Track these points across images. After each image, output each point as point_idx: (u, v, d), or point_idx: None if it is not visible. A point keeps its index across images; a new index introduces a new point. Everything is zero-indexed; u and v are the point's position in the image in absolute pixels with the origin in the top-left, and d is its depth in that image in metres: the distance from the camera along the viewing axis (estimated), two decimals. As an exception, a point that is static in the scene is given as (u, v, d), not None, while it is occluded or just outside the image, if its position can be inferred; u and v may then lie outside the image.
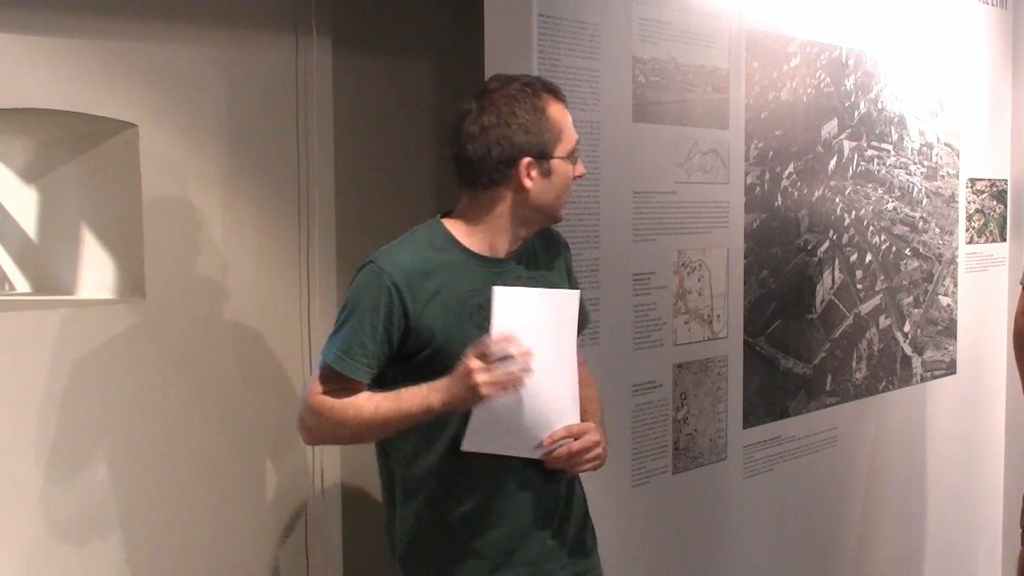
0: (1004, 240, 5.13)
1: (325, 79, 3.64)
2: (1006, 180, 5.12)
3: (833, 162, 4.00)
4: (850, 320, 4.13)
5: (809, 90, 3.88)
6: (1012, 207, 5.15)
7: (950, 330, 4.76)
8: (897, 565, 4.53)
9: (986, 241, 5.01)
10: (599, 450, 2.52)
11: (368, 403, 2.38)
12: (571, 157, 2.50)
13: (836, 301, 4.04)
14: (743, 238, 3.60)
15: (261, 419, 3.50)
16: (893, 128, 4.32)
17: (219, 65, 3.38)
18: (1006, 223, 5.14)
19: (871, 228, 4.22)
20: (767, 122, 3.69)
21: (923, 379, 4.59)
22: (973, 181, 4.89)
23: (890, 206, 4.32)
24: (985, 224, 4.99)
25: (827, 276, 4.00)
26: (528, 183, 2.45)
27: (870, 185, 4.20)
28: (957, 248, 4.80)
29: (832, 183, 4.00)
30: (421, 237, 2.51)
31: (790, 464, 3.86)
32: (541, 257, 2.62)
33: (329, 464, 3.67)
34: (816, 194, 3.93)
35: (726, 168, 3.54)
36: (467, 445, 2.40)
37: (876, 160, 4.23)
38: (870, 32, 4.18)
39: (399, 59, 3.86)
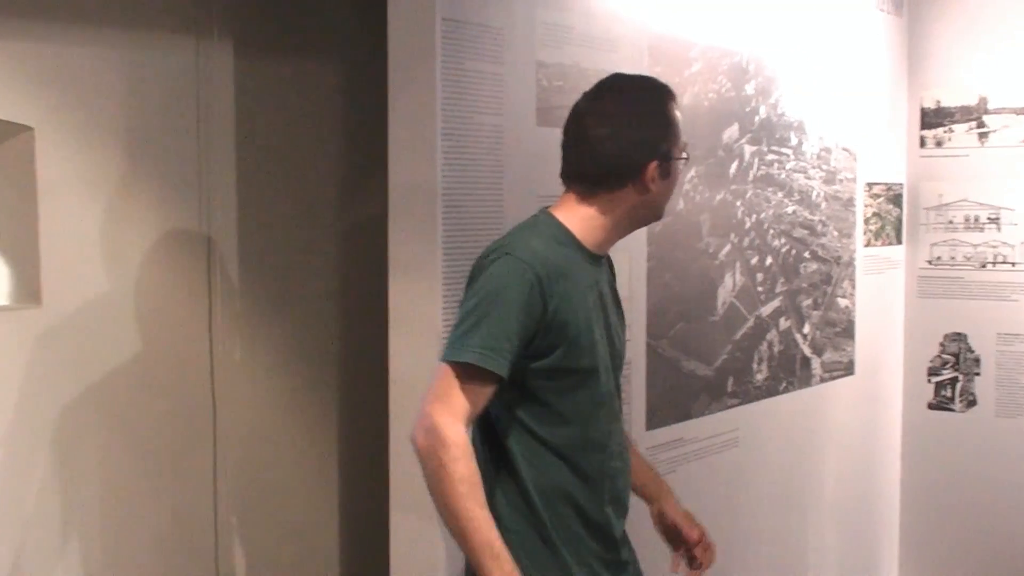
0: (900, 243, 5.22)
1: (227, 82, 3.59)
2: (902, 184, 5.22)
3: (734, 166, 4.05)
4: (751, 322, 4.18)
5: (710, 95, 3.92)
6: (908, 211, 5.25)
7: (848, 332, 4.84)
8: (798, 563, 4.59)
9: (883, 244, 5.10)
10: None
11: (475, 507, 2.27)
12: (685, 157, 2.59)
13: (737, 304, 4.09)
14: (646, 242, 3.62)
15: (163, 427, 3.45)
16: (793, 133, 4.38)
17: (118, 67, 3.32)
18: (902, 226, 5.24)
19: (771, 231, 4.28)
20: (669, 127, 3.71)
21: (822, 380, 4.66)
22: (870, 185, 4.97)
23: (790, 210, 4.38)
24: (882, 227, 5.08)
25: (728, 279, 4.04)
26: (652, 185, 2.50)
27: (770, 189, 4.25)
28: (855, 251, 4.88)
29: (733, 187, 4.05)
30: (544, 231, 2.48)
31: (693, 465, 3.89)
32: (611, 265, 2.71)
33: (232, 473, 3.63)
34: (718, 198, 3.97)
35: (629, 172, 3.56)
36: None
37: (776, 164, 4.28)
38: (770, 38, 4.23)
39: (302, 62, 3.83)
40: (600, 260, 2.58)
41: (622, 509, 2.63)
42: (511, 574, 2.27)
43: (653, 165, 2.48)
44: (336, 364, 3.93)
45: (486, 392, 2.33)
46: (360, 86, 3.87)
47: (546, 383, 2.43)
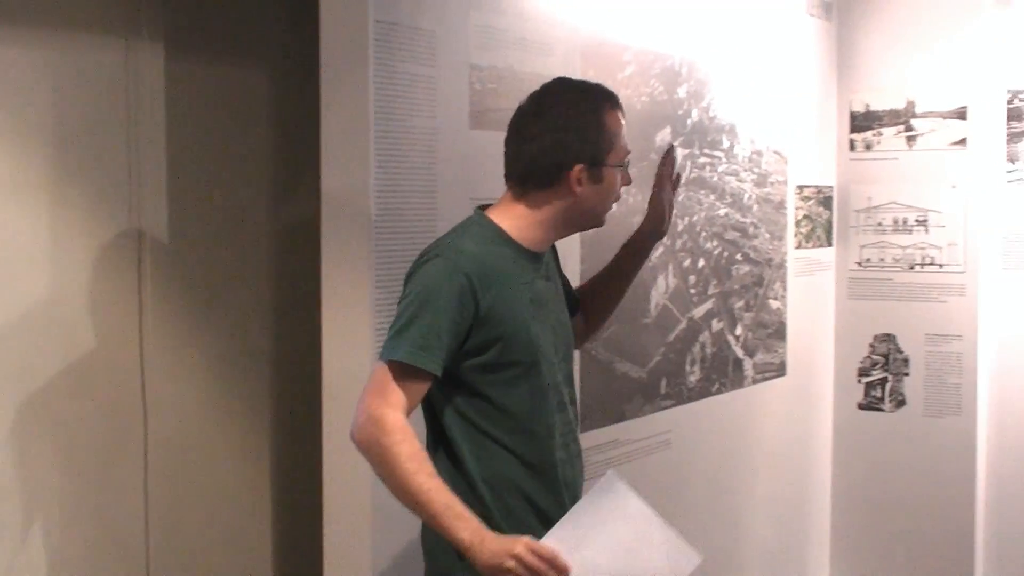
0: (830, 245, 5.28)
1: (157, 84, 3.56)
2: (832, 187, 5.28)
3: (667, 169, 4.06)
4: (684, 324, 4.20)
5: (643, 98, 3.94)
6: (838, 213, 5.30)
7: (780, 333, 4.88)
8: (731, 562, 4.62)
9: (813, 246, 5.15)
10: None
11: (426, 479, 2.34)
12: (622, 166, 2.60)
13: (670, 306, 4.11)
14: (579, 244, 3.63)
15: (92, 431, 3.41)
16: (725, 136, 4.42)
17: (44, 68, 3.27)
18: (832, 229, 5.29)
19: (704, 234, 4.30)
20: (602, 130, 3.72)
21: (754, 381, 4.70)
22: (801, 188, 5.02)
23: (722, 212, 4.41)
24: (812, 230, 5.13)
25: (661, 281, 4.06)
26: (578, 189, 2.53)
27: (703, 192, 4.28)
28: (786, 253, 4.92)
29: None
30: (476, 231, 2.55)
31: (627, 467, 3.90)
32: (552, 258, 2.72)
33: (163, 478, 3.60)
34: (650, 201, 3.98)
35: (562, 175, 3.56)
36: None
37: (708, 167, 4.31)
38: (703, 42, 4.26)
39: (235, 64, 3.80)
40: (539, 256, 2.60)
41: (576, 499, 2.63)
42: (477, 529, 2.33)
43: (578, 169, 2.52)
44: (269, 367, 3.91)
45: (420, 388, 2.42)
46: (293, 88, 3.85)
47: (486, 378, 2.49)
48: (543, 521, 2.52)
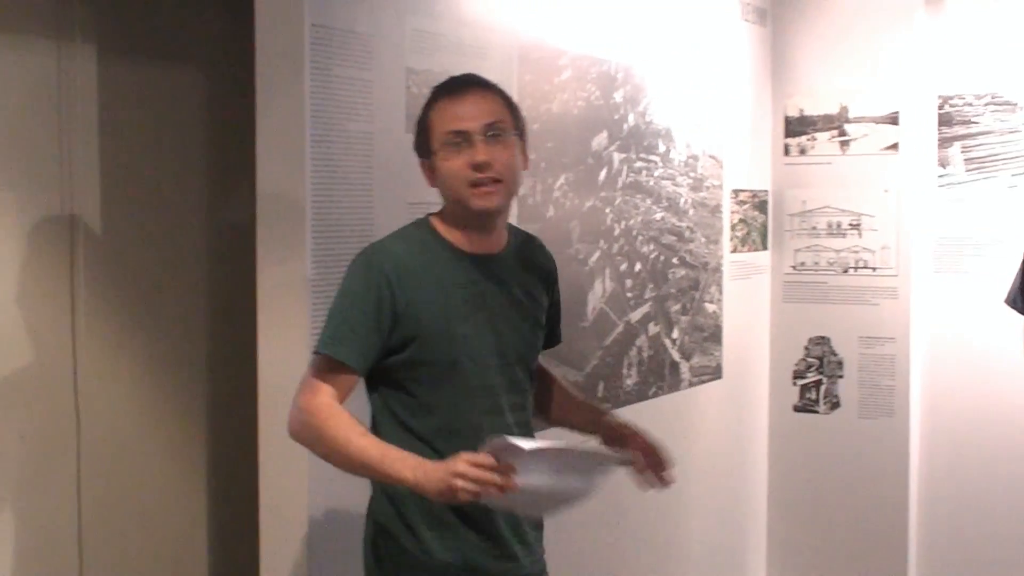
0: (766, 249, 5.33)
1: (90, 86, 3.52)
2: (767, 191, 5.33)
3: (603, 173, 4.09)
4: (621, 328, 4.22)
5: (580, 103, 3.96)
6: (773, 217, 5.36)
7: (716, 336, 4.92)
8: (668, 563, 4.65)
9: (749, 250, 5.19)
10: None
11: (358, 439, 2.38)
12: (445, 149, 2.52)
13: (607, 309, 4.13)
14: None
15: (23, 436, 3.37)
16: (661, 140, 4.45)
17: (-28, 70, 3.24)
18: (767, 232, 5.34)
19: (640, 238, 4.33)
20: (539, 134, 3.74)
21: (691, 384, 4.73)
22: (736, 192, 5.07)
23: (658, 216, 4.44)
24: (748, 234, 5.17)
25: (598, 285, 4.08)
26: (429, 183, 2.58)
27: (639, 196, 4.31)
28: (722, 257, 4.96)
29: (602, 194, 4.09)
30: (410, 232, 2.61)
31: (564, 470, 3.92)
32: (527, 267, 2.71)
33: (97, 483, 3.56)
34: (587, 205, 4.00)
35: (499, 179, 3.58)
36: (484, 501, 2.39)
37: (644, 171, 4.34)
38: (639, 47, 4.29)
39: (169, 66, 3.77)
40: (487, 259, 2.60)
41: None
42: (418, 463, 2.34)
43: (422, 164, 2.60)
44: (205, 370, 3.88)
45: (345, 380, 2.47)
46: (229, 91, 3.83)
47: (410, 374, 2.52)
48: (467, 520, 2.55)
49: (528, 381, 2.71)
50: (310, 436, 2.43)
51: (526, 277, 2.70)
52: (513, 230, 2.75)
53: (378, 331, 2.47)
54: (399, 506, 2.56)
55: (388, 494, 2.58)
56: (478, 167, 2.49)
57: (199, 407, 3.87)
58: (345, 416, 2.41)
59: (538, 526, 2.75)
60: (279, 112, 2.98)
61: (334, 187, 3.02)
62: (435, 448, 2.49)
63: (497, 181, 2.51)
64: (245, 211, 3.29)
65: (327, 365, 2.45)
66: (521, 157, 2.61)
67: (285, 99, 2.96)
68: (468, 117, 2.51)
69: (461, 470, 2.26)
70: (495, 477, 2.25)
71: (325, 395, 2.43)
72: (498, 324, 2.61)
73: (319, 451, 2.44)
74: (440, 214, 2.62)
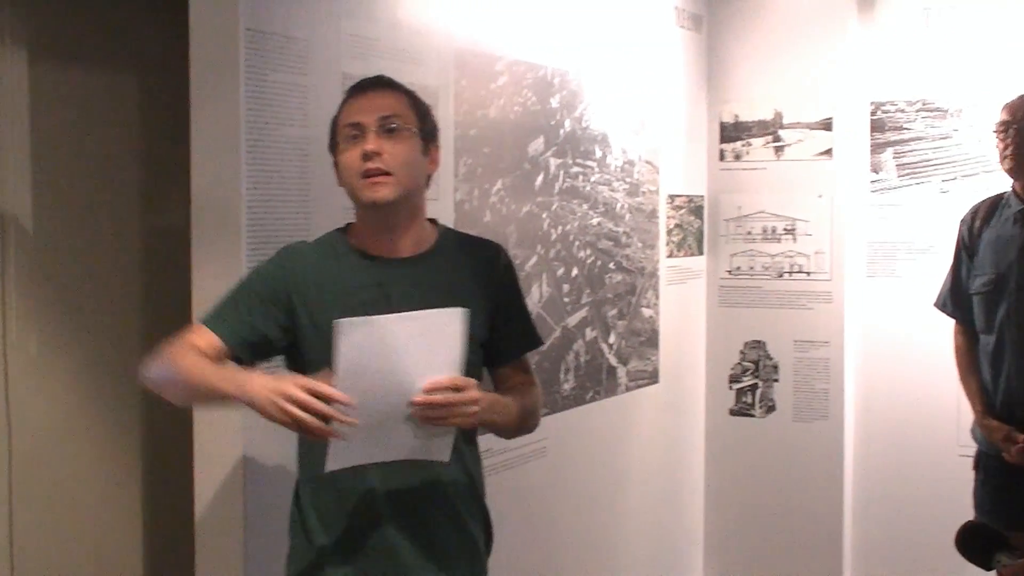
0: (701, 254, 5.36)
1: (20, 88, 3.48)
2: (703, 196, 5.36)
3: (540, 179, 4.10)
4: (558, 333, 4.23)
5: (516, 108, 3.96)
6: (708, 222, 5.39)
7: (652, 341, 4.94)
8: (607, 567, 4.66)
9: (685, 255, 5.22)
10: (475, 408, 2.42)
11: (196, 361, 2.39)
12: (344, 142, 2.53)
13: (544, 314, 4.14)
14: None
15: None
16: (597, 146, 4.46)
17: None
18: (703, 237, 5.38)
19: (577, 243, 4.34)
20: (476, 139, 3.75)
21: (628, 389, 4.75)
22: (672, 197, 5.09)
23: (595, 221, 4.45)
24: (684, 239, 5.20)
25: (535, 290, 4.09)
26: (337, 181, 2.58)
27: (575, 201, 4.32)
28: (658, 262, 4.99)
29: (539, 199, 4.10)
30: (325, 238, 2.64)
31: (502, 475, 3.92)
32: (459, 271, 2.64)
33: (28, 475, 3.52)
34: (524, 210, 4.01)
35: (436, 184, 3.57)
36: (331, 465, 2.33)
37: (581, 177, 4.35)
38: (575, 52, 4.30)
39: (102, 71, 3.74)
40: (394, 261, 2.57)
41: (405, 507, 2.56)
42: (247, 378, 2.33)
43: (334, 163, 2.60)
44: (140, 364, 3.84)
45: (210, 348, 2.45)
46: (163, 95, 3.80)
47: (306, 374, 2.42)
48: (360, 520, 2.52)
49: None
50: (159, 371, 2.45)
51: (455, 281, 2.63)
52: (451, 234, 2.73)
53: (263, 316, 2.49)
54: (302, 511, 2.56)
55: (297, 495, 2.59)
56: (367, 156, 2.48)
57: (132, 410, 3.83)
58: (194, 353, 2.42)
59: (474, 543, 2.68)
60: (214, 117, 2.96)
61: (270, 192, 3.00)
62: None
63: (387, 173, 2.49)
64: (180, 215, 3.26)
65: (198, 331, 2.48)
66: (424, 158, 2.59)
67: (220, 104, 2.94)
68: (364, 110, 2.53)
69: (289, 392, 2.24)
70: (321, 406, 2.22)
71: (185, 342, 2.45)
72: None
73: (166, 383, 2.45)
74: (356, 220, 2.64)
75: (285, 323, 2.51)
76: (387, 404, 2.33)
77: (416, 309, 2.46)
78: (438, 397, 2.35)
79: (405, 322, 2.35)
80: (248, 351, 2.49)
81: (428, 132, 2.61)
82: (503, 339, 2.73)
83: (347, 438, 2.28)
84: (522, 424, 2.73)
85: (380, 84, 2.62)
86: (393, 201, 2.51)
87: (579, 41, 4.34)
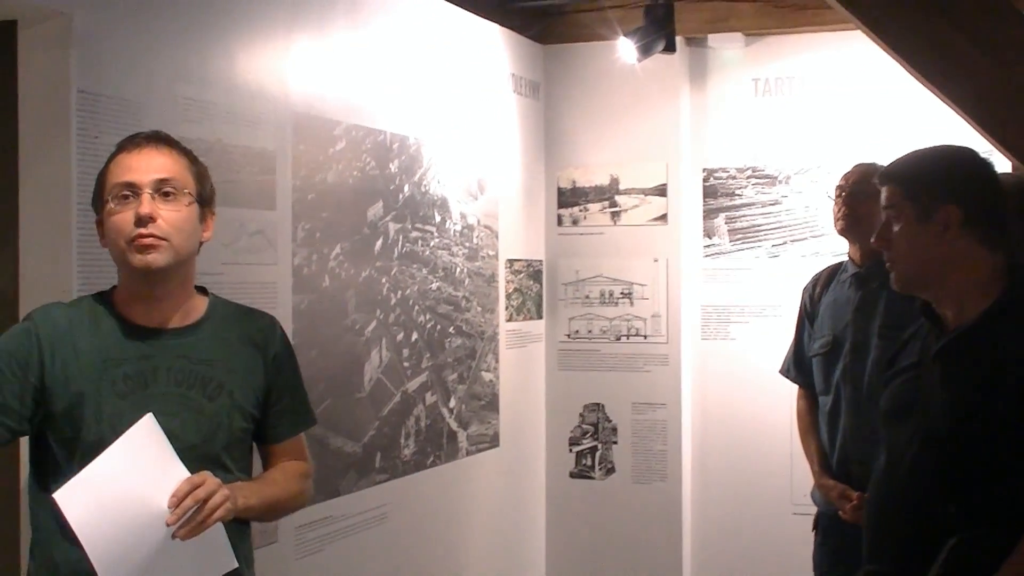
0: (540, 317, 5.41)
1: None
2: (541, 260, 5.42)
3: (379, 243, 4.10)
4: (398, 398, 4.21)
5: (355, 173, 3.96)
6: (547, 286, 5.45)
7: (493, 404, 4.95)
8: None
9: (524, 319, 5.26)
10: (225, 492, 2.25)
11: None
12: (115, 201, 2.34)
13: (384, 379, 4.12)
14: (291, 319, 3.60)
15: None
16: (436, 210, 4.48)
17: None
18: (542, 301, 5.42)
19: (417, 307, 4.34)
20: (314, 203, 3.73)
21: (468, 453, 4.74)
22: (511, 262, 5.13)
23: (434, 286, 4.46)
24: (523, 303, 5.24)
25: (375, 355, 4.07)
26: (100, 242, 2.42)
27: (415, 265, 4.32)
28: (498, 325, 5.01)
29: (378, 264, 4.09)
30: (84, 301, 2.44)
31: (342, 543, 3.87)
32: (230, 344, 2.47)
33: None
34: (363, 275, 4.00)
35: (273, 249, 3.55)
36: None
37: (420, 241, 4.36)
38: (413, 117, 4.32)
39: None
40: (159, 332, 2.41)
41: None
42: None
43: (97, 221, 2.42)
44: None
45: None
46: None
47: (62, 451, 2.32)
48: None
49: (225, 465, 2.42)
50: None
51: (228, 354, 2.47)
52: (221, 304, 2.55)
53: (19, 392, 2.28)
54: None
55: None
56: (140, 221, 2.31)
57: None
58: None
59: None
60: (44, 178, 2.90)
61: (102, 256, 2.93)
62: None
63: (161, 239, 2.32)
64: (8, 279, 3.16)
65: None
66: (200, 225, 2.43)
67: (50, 165, 2.88)
68: (140, 170, 2.34)
69: None
70: None
71: None
72: (170, 404, 2.37)
73: None
74: (119, 285, 2.46)
75: (38, 398, 2.30)
76: (151, 540, 2.21)
77: (184, 384, 2.38)
78: (187, 502, 2.20)
79: (112, 458, 2.23)
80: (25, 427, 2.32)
81: (205, 198, 2.45)
82: (275, 417, 2.56)
83: None
84: (285, 504, 2.57)
85: (157, 140, 2.41)
86: (165, 268, 2.34)
87: (418, 107, 4.36)
